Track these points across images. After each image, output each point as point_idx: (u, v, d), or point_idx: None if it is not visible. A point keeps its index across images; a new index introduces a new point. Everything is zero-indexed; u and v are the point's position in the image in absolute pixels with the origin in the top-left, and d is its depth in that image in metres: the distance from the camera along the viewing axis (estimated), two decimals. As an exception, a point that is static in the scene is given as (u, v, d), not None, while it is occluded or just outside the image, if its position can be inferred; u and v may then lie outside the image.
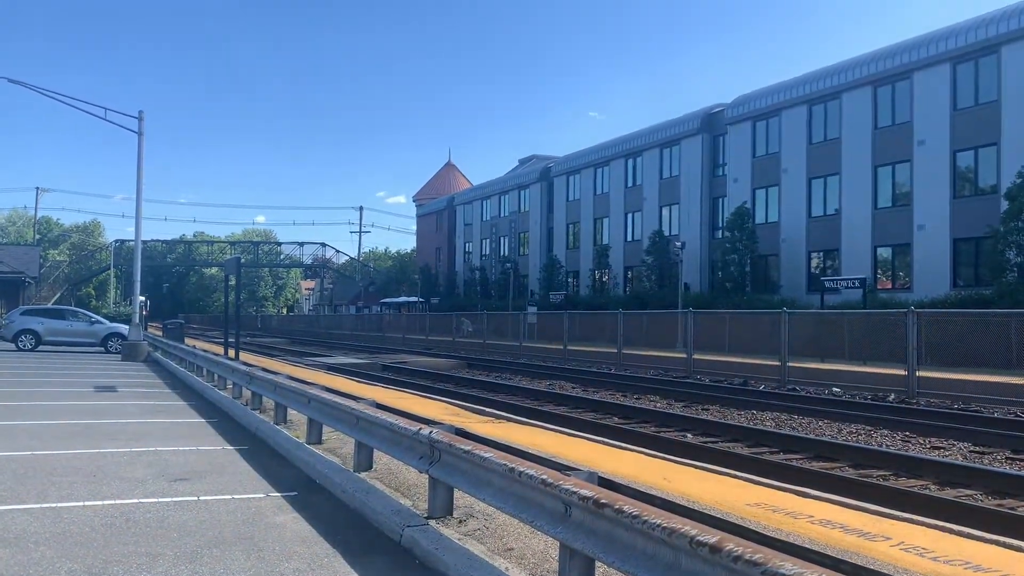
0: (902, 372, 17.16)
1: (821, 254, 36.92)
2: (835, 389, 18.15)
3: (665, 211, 46.75)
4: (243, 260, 26.35)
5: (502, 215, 65.14)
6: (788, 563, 2.78)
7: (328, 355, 33.23)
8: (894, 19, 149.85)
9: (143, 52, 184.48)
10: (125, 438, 10.12)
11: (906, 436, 12.20)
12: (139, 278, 30.30)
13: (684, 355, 23.16)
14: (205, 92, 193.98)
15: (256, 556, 5.23)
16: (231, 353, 19.19)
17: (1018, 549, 4.19)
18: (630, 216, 49.84)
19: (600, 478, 4.70)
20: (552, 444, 7.69)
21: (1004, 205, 27.24)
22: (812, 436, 11.90)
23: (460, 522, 5.80)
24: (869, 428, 12.95)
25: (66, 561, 5.04)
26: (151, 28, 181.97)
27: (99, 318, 33.82)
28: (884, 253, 34.22)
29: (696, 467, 6.78)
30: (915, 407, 15.19)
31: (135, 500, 6.76)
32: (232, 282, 20.17)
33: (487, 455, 5.07)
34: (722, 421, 13.51)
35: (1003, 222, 26.79)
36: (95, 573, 4.83)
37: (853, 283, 30.42)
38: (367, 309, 75.21)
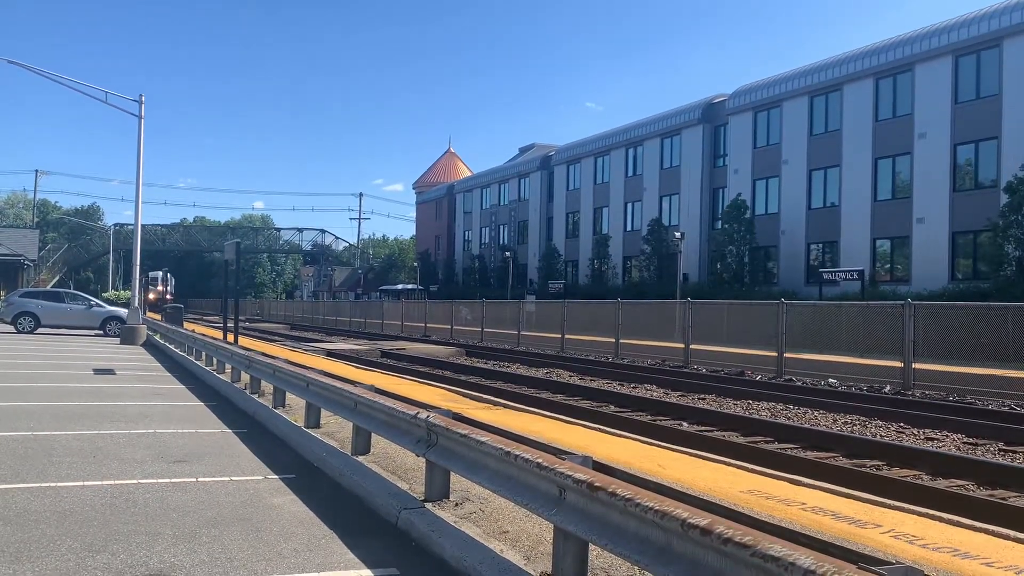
0: (898, 364, 17.22)
1: (820, 246, 36.95)
2: (831, 380, 18.20)
3: (665, 201, 46.73)
4: (242, 245, 26.34)
5: (502, 203, 65.06)
6: (777, 545, 2.83)
7: (327, 341, 33.29)
8: (896, 11, 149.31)
9: (145, 36, 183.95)
10: (124, 420, 10.19)
11: (901, 427, 12.27)
12: (139, 261, 30.33)
13: (682, 345, 23.20)
14: (206, 77, 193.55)
15: (254, 536, 5.29)
16: (230, 338, 19.24)
17: (1005, 537, 4.25)
18: (630, 206, 49.82)
19: (595, 463, 4.75)
20: (548, 430, 7.74)
21: (1004, 199, 27.28)
22: (807, 426, 11.97)
23: (456, 505, 5.86)
24: (864, 419, 13.01)
25: (66, 539, 5.10)
26: (153, 12, 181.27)
27: (98, 301, 33.85)
28: (883, 246, 34.26)
29: (691, 455, 6.82)
30: (911, 399, 15.27)
31: (135, 480, 6.82)
32: (232, 267, 20.19)
33: (483, 439, 5.12)
34: (718, 410, 13.56)
35: (1002, 216, 26.83)
36: (95, 550, 4.89)
37: (851, 275, 30.50)
38: (366, 296, 75.23)
